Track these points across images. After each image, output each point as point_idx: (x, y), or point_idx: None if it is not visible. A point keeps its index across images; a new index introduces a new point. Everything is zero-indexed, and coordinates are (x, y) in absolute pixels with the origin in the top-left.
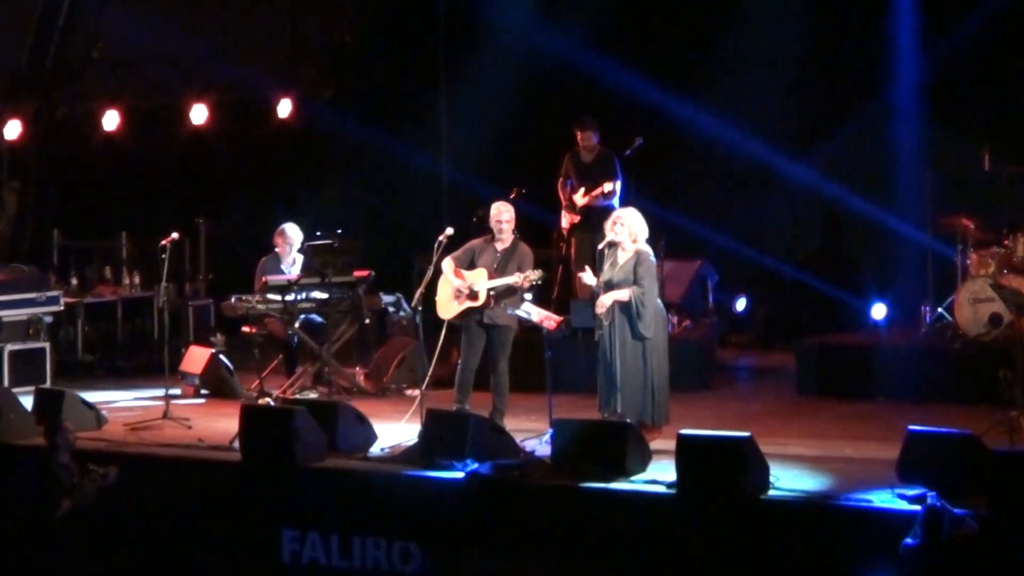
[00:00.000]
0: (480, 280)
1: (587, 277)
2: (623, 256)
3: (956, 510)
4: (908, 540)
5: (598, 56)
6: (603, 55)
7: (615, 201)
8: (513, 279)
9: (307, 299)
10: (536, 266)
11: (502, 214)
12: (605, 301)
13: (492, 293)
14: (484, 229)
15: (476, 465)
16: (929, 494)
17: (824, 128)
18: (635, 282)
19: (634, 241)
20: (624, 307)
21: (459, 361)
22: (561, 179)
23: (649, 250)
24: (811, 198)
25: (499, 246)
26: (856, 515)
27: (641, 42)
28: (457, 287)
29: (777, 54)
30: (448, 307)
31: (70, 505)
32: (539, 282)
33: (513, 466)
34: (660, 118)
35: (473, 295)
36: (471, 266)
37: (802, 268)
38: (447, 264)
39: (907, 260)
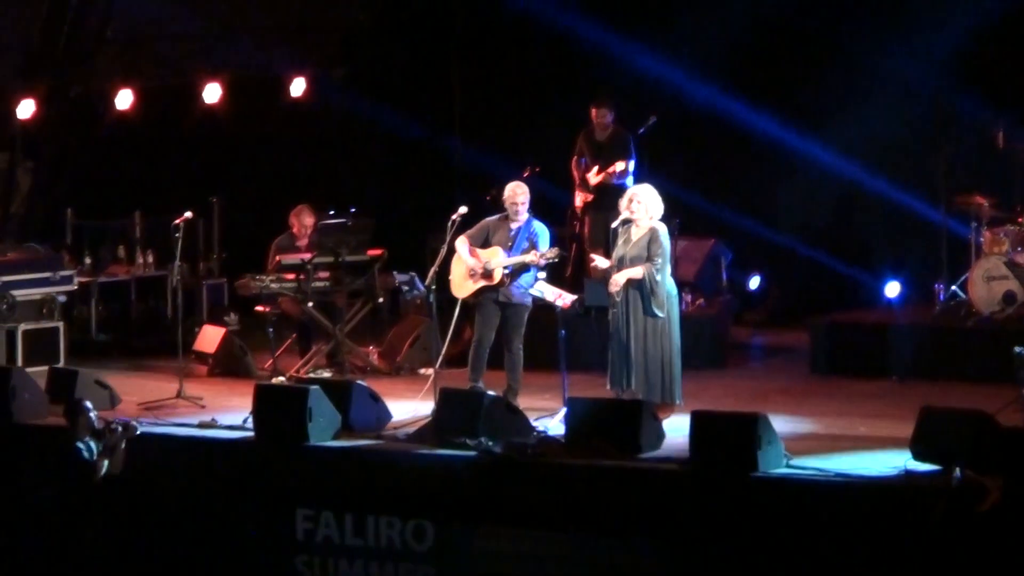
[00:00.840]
0: (495, 258)
1: (600, 261)
2: (637, 233)
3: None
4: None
5: (613, 33)
6: (617, 32)
7: (628, 180)
8: (530, 256)
9: (321, 278)
10: (550, 244)
11: (517, 196)
12: (619, 279)
13: (506, 272)
14: (498, 207)
15: (489, 443)
16: (956, 468)
17: (839, 106)
18: (648, 259)
19: (650, 218)
20: (638, 285)
21: (473, 339)
22: (575, 157)
23: (664, 227)
24: (825, 176)
25: (513, 225)
26: (870, 492)
27: (656, 19)
28: (471, 266)
29: (791, 32)
30: (462, 286)
31: (108, 467)
32: (556, 259)
33: (526, 444)
34: (674, 96)
35: (488, 274)
36: (485, 244)
37: (816, 246)
38: (461, 243)
39: (921, 238)
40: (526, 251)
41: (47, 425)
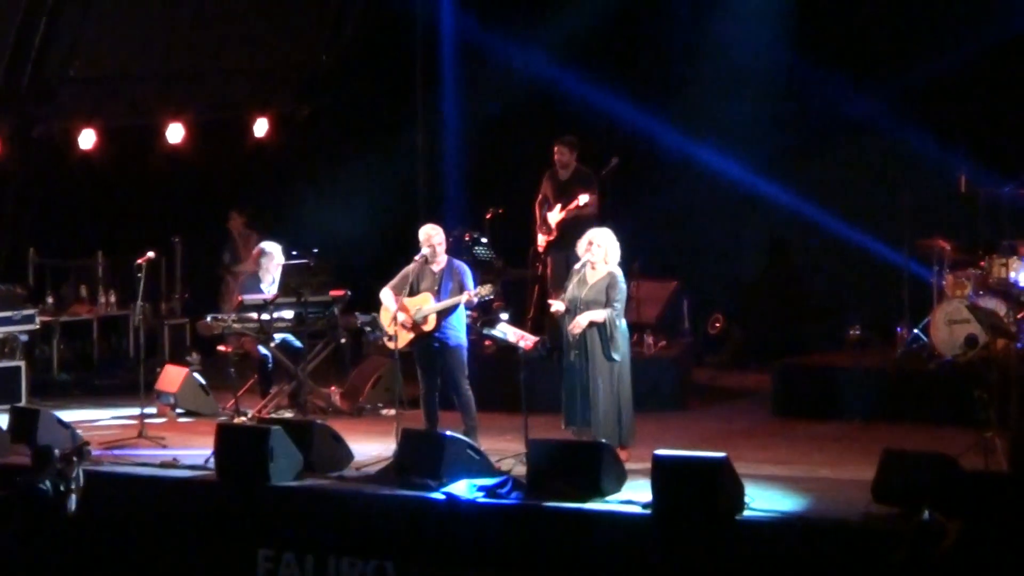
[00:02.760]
0: (427, 304)
1: (557, 305)
2: (593, 276)
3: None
4: (896, 555)
5: (576, 77)
6: (581, 76)
7: (592, 212)
8: (461, 298)
9: (283, 319)
10: (513, 287)
11: (432, 237)
12: (581, 322)
13: (444, 315)
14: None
15: (451, 487)
16: (924, 510)
17: (801, 150)
18: (607, 303)
19: (607, 262)
20: (597, 329)
21: (420, 389)
22: (540, 198)
23: (620, 272)
24: (788, 219)
25: (435, 267)
26: (832, 534)
27: (619, 63)
28: (402, 322)
29: (755, 76)
30: (399, 336)
31: (76, 498)
32: (490, 296)
33: (487, 487)
34: (638, 139)
35: (417, 325)
36: (412, 292)
37: (778, 288)
38: (386, 295)
39: (883, 281)
40: (455, 293)
41: (9, 464)
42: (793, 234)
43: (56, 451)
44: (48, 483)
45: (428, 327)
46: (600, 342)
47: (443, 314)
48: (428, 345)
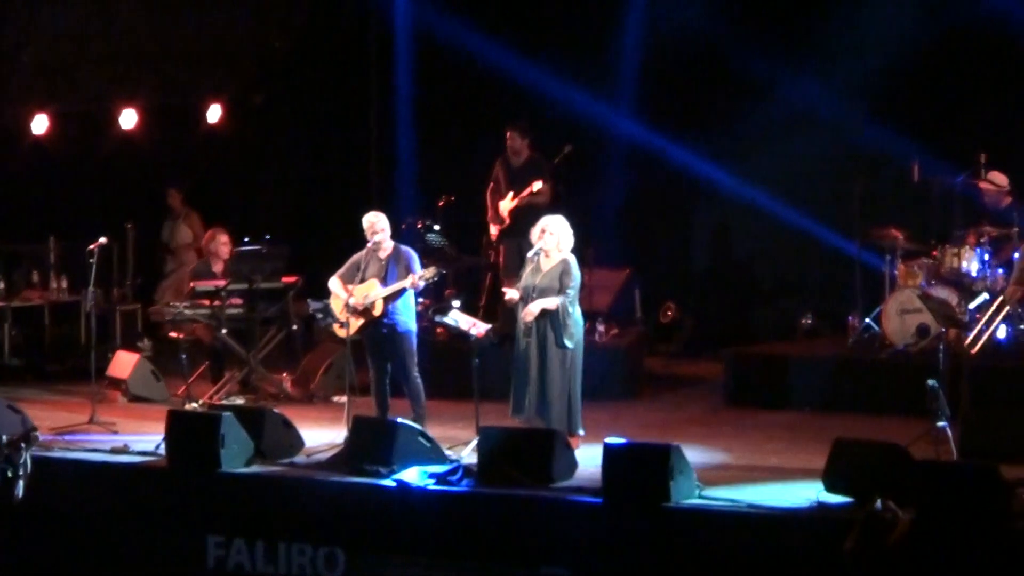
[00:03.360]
0: (374, 291)
1: (511, 293)
2: (547, 263)
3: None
4: (846, 544)
5: (529, 63)
6: (534, 62)
7: (544, 200)
8: (406, 282)
9: (234, 305)
10: (466, 274)
11: (375, 224)
12: (533, 309)
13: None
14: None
15: (402, 474)
16: (877, 500)
17: (754, 138)
18: (560, 290)
19: (560, 250)
20: (550, 316)
21: (370, 376)
22: (492, 185)
23: (574, 259)
24: (741, 208)
25: (382, 254)
26: (782, 523)
27: (575, 49)
28: (353, 304)
29: (707, 66)
30: (349, 324)
31: (24, 484)
32: (435, 278)
33: (439, 473)
34: (591, 126)
35: (367, 310)
36: (361, 280)
37: (730, 277)
38: (335, 283)
39: (836, 270)
40: (402, 279)
41: None
42: (745, 223)
43: (3, 437)
44: None
45: (376, 313)
46: (552, 330)
47: (390, 300)
48: (377, 332)
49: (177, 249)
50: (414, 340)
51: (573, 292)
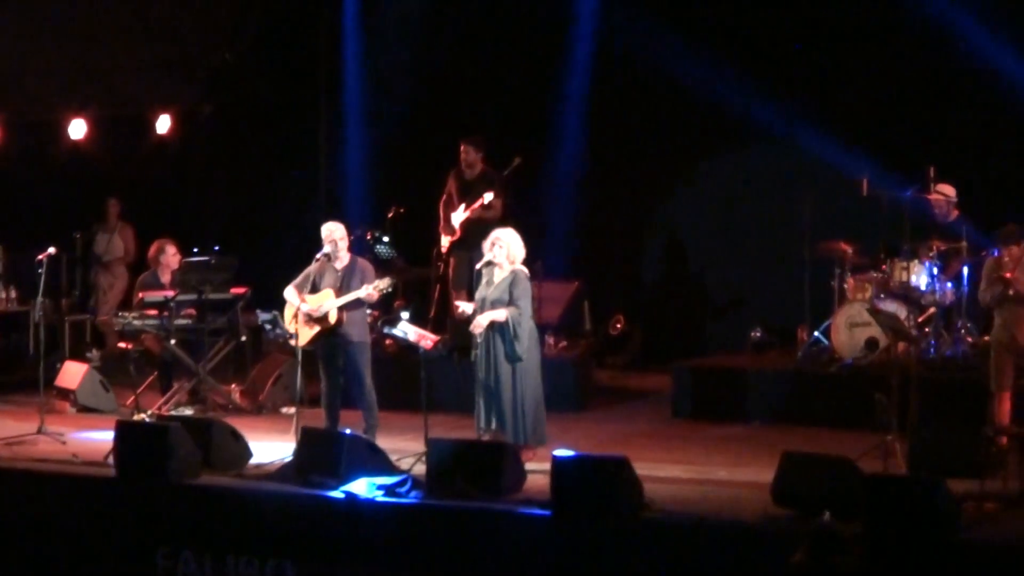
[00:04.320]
0: (328, 300)
1: (464, 306)
2: (499, 275)
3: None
4: (794, 557)
5: (479, 70)
6: (488, 70)
7: (495, 215)
8: (362, 292)
9: (183, 316)
10: (415, 286)
11: (333, 233)
12: (482, 322)
13: (346, 310)
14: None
15: (351, 486)
16: (825, 512)
17: (703, 150)
18: (510, 302)
19: (511, 262)
20: (500, 328)
21: (322, 386)
22: (444, 197)
23: (525, 271)
24: (689, 221)
25: (338, 264)
26: (730, 536)
27: (525, 57)
28: (307, 311)
29: (657, 79)
30: (301, 335)
31: None
32: (389, 290)
33: (394, 486)
34: (540, 138)
35: (323, 318)
36: (314, 290)
37: (678, 290)
38: (290, 292)
39: (785, 284)
40: (357, 289)
41: None
42: (695, 236)
43: None
44: None
45: (331, 321)
46: (503, 342)
47: (346, 310)
48: (331, 342)
49: (110, 262)
50: (368, 351)
51: (524, 303)
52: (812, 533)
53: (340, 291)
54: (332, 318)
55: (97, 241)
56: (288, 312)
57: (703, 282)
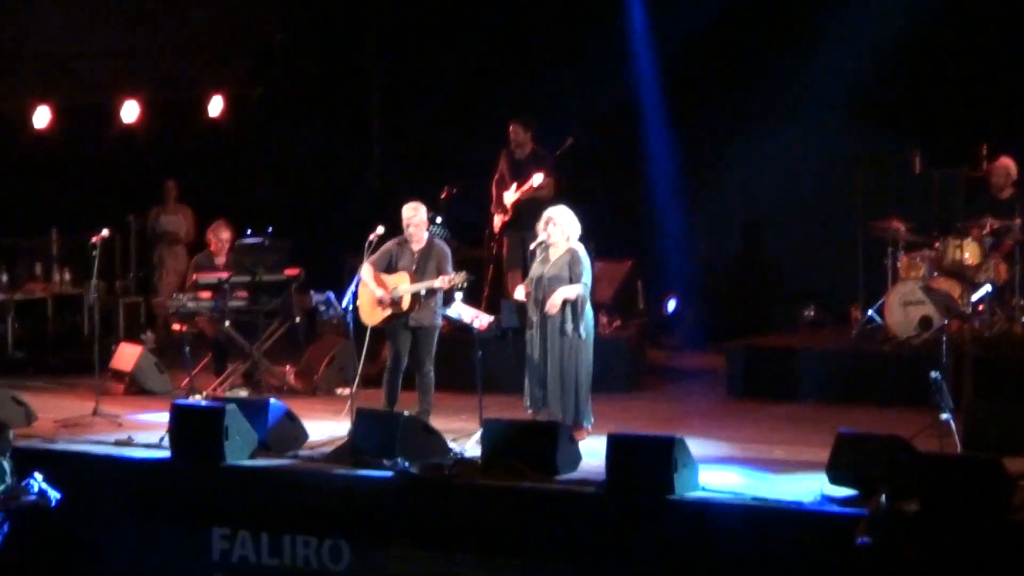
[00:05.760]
0: (403, 284)
1: (519, 293)
2: (555, 253)
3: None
4: (863, 539)
5: (532, 54)
6: (537, 53)
7: (547, 194)
8: (436, 282)
9: (237, 297)
10: (468, 266)
11: (411, 217)
12: (556, 300)
13: (420, 295)
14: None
15: (406, 464)
16: (882, 494)
17: (756, 129)
18: (571, 280)
19: (567, 240)
20: (568, 305)
21: (386, 366)
22: (496, 177)
23: (582, 247)
24: (742, 199)
25: (415, 247)
26: (786, 516)
27: (573, 42)
28: (379, 297)
29: (709, 54)
30: (372, 314)
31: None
32: (464, 284)
33: (443, 465)
34: (592, 119)
35: (395, 302)
36: (390, 269)
37: (732, 269)
38: (366, 270)
39: (838, 262)
40: (432, 274)
41: None
42: (747, 215)
43: (11, 430)
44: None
45: (404, 307)
46: (569, 320)
47: (419, 295)
48: (402, 324)
49: (171, 243)
50: (436, 336)
51: (588, 281)
52: (874, 513)
53: (415, 275)
54: (405, 304)
55: (160, 222)
56: (363, 291)
57: (756, 261)
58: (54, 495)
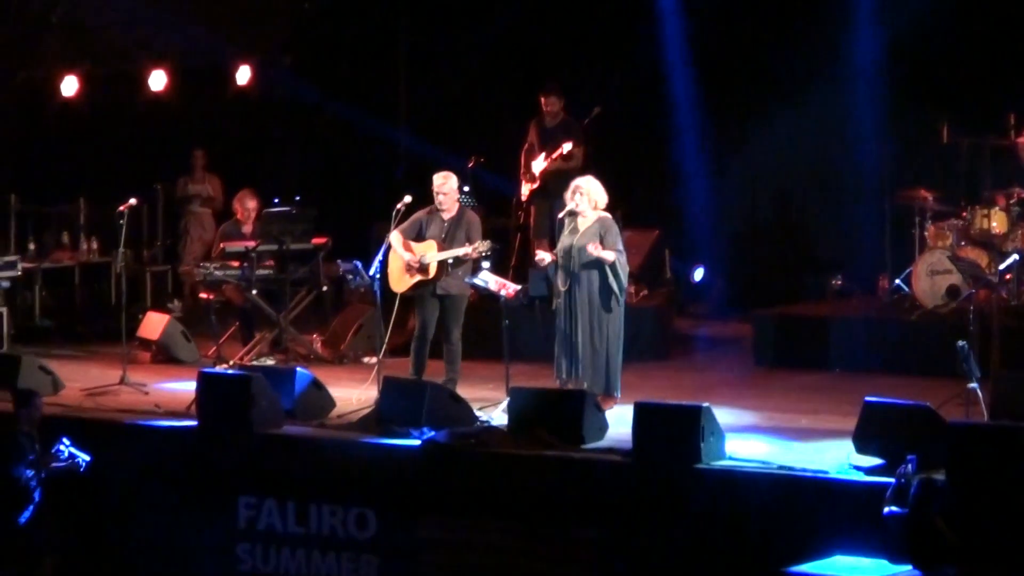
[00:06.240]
0: (430, 252)
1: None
2: (584, 223)
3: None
4: (892, 509)
5: (561, 22)
6: (565, 21)
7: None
8: (463, 250)
9: (264, 266)
10: (494, 235)
11: (442, 185)
12: (607, 256)
13: (448, 264)
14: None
15: (432, 433)
16: (907, 462)
17: (783, 98)
18: (604, 248)
19: (595, 208)
20: (587, 275)
21: (414, 333)
22: (526, 146)
23: (610, 217)
24: (769, 168)
25: (445, 215)
26: (812, 485)
27: (602, 10)
28: (408, 261)
29: (736, 22)
30: (400, 280)
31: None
32: (489, 252)
33: (470, 434)
34: (619, 87)
35: (424, 269)
36: (419, 237)
37: (760, 238)
38: (395, 237)
39: (865, 231)
40: (461, 243)
41: None
42: (774, 184)
43: (39, 398)
44: (21, 472)
45: (431, 274)
46: (601, 289)
47: (448, 263)
48: (430, 292)
49: (196, 211)
50: (463, 305)
51: (622, 248)
52: (901, 483)
53: (444, 243)
54: (432, 271)
55: (188, 190)
56: (393, 257)
57: (783, 230)
58: (84, 458)
